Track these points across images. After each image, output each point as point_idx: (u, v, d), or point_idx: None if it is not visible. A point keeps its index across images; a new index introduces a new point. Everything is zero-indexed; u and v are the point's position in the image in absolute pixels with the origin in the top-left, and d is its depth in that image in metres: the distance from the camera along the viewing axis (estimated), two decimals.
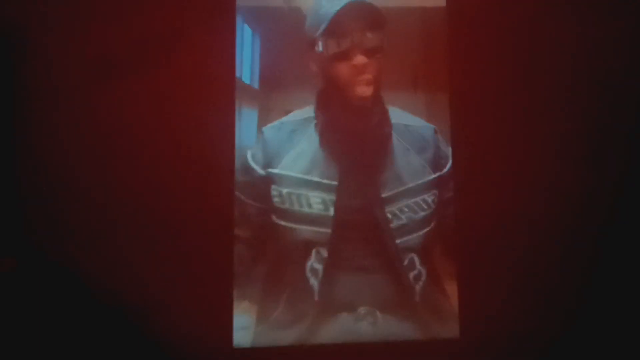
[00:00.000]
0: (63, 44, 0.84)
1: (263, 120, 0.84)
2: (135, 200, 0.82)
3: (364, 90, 0.81)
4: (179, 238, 0.82)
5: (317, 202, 0.80)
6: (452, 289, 0.82)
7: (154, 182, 0.82)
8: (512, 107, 0.87)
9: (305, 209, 0.80)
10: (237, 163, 0.82)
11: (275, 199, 0.81)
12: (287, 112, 0.84)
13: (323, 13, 0.81)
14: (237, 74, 0.84)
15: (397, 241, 0.81)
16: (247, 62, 0.84)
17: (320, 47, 0.82)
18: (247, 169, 0.82)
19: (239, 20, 0.85)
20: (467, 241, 0.83)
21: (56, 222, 0.82)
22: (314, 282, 0.80)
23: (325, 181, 0.81)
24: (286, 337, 0.80)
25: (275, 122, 0.83)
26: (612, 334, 0.84)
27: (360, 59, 0.81)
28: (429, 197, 0.82)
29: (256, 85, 0.84)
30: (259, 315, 0.80)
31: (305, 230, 0.80)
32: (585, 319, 0.84)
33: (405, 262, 0.81)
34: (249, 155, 0.82)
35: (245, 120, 0.83)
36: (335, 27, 0.81)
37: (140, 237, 0.82)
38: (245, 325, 0.80)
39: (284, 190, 0.81)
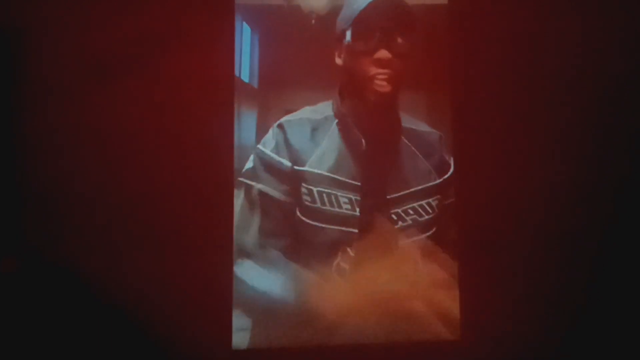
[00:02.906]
0: (61, 44, 0.84)
1: (262, 120, 0.83)
2: (135, 200, 0.82)
3: (382, 86, 0.81)
4: (178, 239, 0.82)
5: (345, 202, 0.80)
6: (455, 294, 0.82)
7: (153, 182, 0.82)
8: (515, 108, 0.86)
9: (336, 209, 0.80)
10: (251, 159, 0.81)
11: (305, 197, 0.80)
12: (287, 111, 0.83)
13: (356, 7, 0.80)
14: (236, 73, 0.84)
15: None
16: (246, 61, 0.84)
17: (348, 37, 0.81)
18: (272, 164, 0.81)
19: (238, 18, 0.84)
20: (468, 243, 0.83)
21: (56, 222, 0.81)
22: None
23: (351, 181, 0.81)
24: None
25: (293, 118, 0.82)
26: (614, 336, 0.83)
27: (383, 54, 0.80)
28: (434, 202, 0.82)
29: (255, 84, 0.84)
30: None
31: (334, 230, 0.80)
32: (587, 322, 0.83)
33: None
34: (267, 149, 0.81)
35: (245, 120, 0.83)
36: (364, 20, 0.80)
37: (140, 237, 0.81)
38: (244, 327, 0.80)
39: (315, 189, 0.80)
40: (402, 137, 0.83)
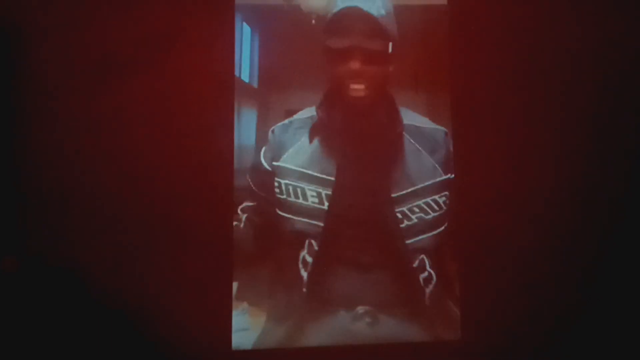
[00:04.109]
0: (61, 44, 0.84)
1: (262, 120, 0.84)
2: (135, 200, 0.82)
3: (357, 91, 0.83)
4: (178, 238, 0.82)
5: (312, 195, 0.81)
6: (447, 286, 0.82)
7: (153, 182, 0.82)
8: (514, 106, 0.86)
9: (301, 201, 0.81)
10: (251, 162, 0.83)
11: (276, 190, 0.82)
12: (286, 111, 0.84)
13: (328, 18, 0.83)
14: (237, 73, 0.84)
15: (407, 242, 0.81)
16: (246, 61, 0.84)
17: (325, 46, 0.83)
18: (257, 166, 0.83)
19: (238, 18, 0.85)
20: (469, 242, 0.83)
21: (56, 222, 0.81)
22: (304, 274, 0.81)
23: (322, 176, 0.82)
24: (278, 332, 0.80)
25: (286, 121, 0.84)
26: (613, 335, 0.83)
27: (355, 64, 0.82)
28: (440, 199, 0.82)
29: (255, 84, 0.84)
30: (258, 312, 0.81)
31: (300, 222, 0.81)
32: (587, 321, 0.83)
33: (416, 264, 0.81)
34: (262, 153, 0.83)
35: (245, 119, 0.83)
36: (336, 27, 0.82)
37: (140, 237, 0.81)
38: (244, 327, 0.80)
39: (284, 182, 0.82)
40: (405, 135, 0.84)
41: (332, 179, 0.82)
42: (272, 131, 0.83)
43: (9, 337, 0.77)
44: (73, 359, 0.78)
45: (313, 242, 0.81)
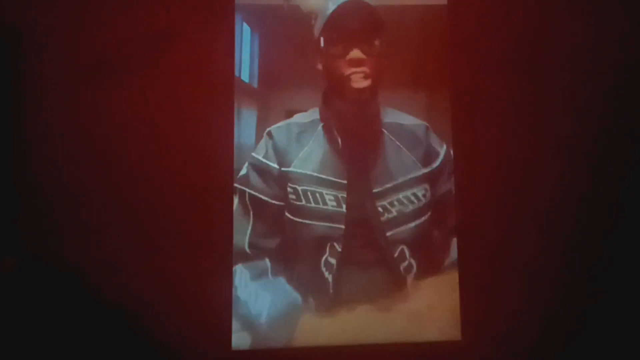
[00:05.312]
0: (61, 44, 0.84)
1: (262, 120, 0.84)
2: (134, 200, 0.82)
3: (360, 83, 0.84)
4: (178, 239, 0.82)
5: (331, 199, 0.82)
6: (447, 286, 0.82)
7: (153, 182, 0.82)
8: (513, 107, 0.86)
9: (321, 206, 0.82)
10: (245, 166, 0.83)
11: (291, 197, 0.82)
12: (286, 111, 0.84)
13: (326, 13, 0.84)
14: (236, 73, 0.84)
15: (388, 234, 0.82)
16: (246, 61, 0.84)
17: (322, 43, 0.84)
18: (263, 169, 0.83)
19: (238, 18, 0.85)
20: (468, 241, 0.83)
21: (55, 222, 0.81)
22: (328, 276, 0.81)
23: (336, 180, 0.83)
24: (291, 335, 0.80)
25: (281, 123, 0.84)
26: (614, 336, 0.83)
27: (355, 54, 0.83)
28: (419, 192, 0.84)
29: (255, 84, 0.84)
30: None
31: (321, 226, 0.82)
32: (588, 321, 0.83)
33: (396, 254, 0.82)
34: (259, 155, 0.83)
35: (245, 120, 0.83)
36: (334, 24, 0.83)
37: (139, 237, 0.81)
38: (244, 327, 0.80)
39: (300, 188, 0.82)
40: (385, 132, 0.85)
41: (345, 182, 0.83)
42: (269, 134, 0.83)
43: (9, 337, 0.77)
44: (73, 359, 0.78)
45: (335, 244, 0.82)
